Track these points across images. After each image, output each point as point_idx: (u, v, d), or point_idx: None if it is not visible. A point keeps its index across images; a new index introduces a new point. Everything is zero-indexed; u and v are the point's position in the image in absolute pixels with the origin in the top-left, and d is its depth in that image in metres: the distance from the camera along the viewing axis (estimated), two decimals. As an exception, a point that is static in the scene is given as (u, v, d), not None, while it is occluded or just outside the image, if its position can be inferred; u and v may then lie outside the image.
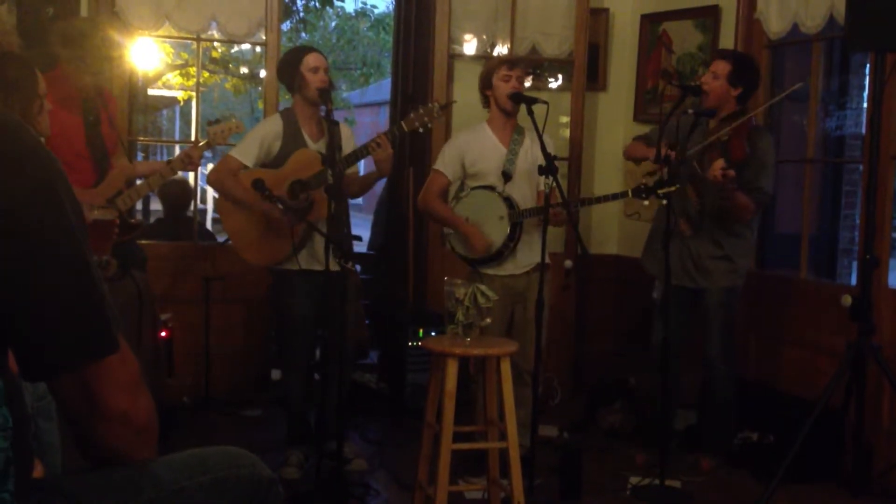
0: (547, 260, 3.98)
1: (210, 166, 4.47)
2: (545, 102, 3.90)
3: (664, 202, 3.95)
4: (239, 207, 4.10)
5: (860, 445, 4.13)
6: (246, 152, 4.09)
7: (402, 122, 4.07)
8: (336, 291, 3.73)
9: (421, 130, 4.12)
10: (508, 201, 4.15)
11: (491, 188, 4.19)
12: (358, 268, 4.49)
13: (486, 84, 4.25)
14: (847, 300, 4.09)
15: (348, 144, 4.16)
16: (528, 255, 4.17)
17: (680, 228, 4.29)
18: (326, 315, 4.12)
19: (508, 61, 4.24)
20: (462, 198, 4.24)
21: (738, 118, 4.16)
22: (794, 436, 3.80)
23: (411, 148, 5.78)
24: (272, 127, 4.17)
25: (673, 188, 3.89)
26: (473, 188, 4.22)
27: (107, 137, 4.01)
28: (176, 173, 4.13)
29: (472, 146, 4.25)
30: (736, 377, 4.44)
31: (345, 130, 4.23)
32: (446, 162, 4.28)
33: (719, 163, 3.95)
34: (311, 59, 4.08)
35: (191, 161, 4.01)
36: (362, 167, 4.65)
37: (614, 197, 4.20)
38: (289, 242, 3.98)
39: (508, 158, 4.21)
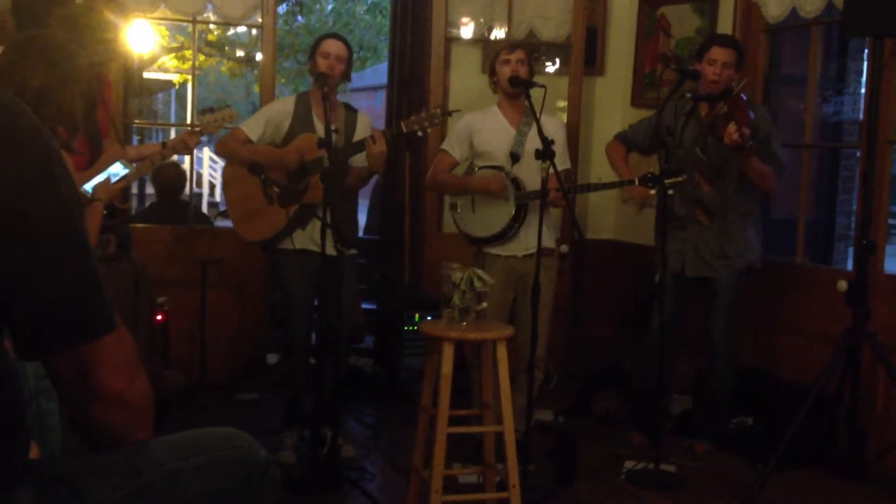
0: (552, 245, 3.99)
1: (206, 150, 4.47)
2: (542, 86, 3.89)
3: (671, 192, 3.96)
4: (241, 180, 4.12)
5: (854, 431, 4.14)
6: (252, 128, 4.18)
7: (402, 124, 4.07)
8: (332, 275, 3.73)
9: (419, 134, 4.11)
10: (515, 182, 4.15)
11: (498, 169, 4.20)
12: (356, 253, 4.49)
13: (490, 71, 4.27)
14: (843, 286, 4.09)
15: (364, 133, 4.16)
16: (532, 238, 4.16)
17: (697, 219, 4.28)
18: (323, 299, 4.13)
19: (508, 46, 4.25)
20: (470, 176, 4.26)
21: (726, 96, 4.15)
22: (788, 421, 3.81)
23: (407, 133, 5.76)
24: (282, 107, 4.24)
25: (681, 178, 3.90)
26: (481, 167, 4.23)
27: (100, 121, 3.99)
28: (169, 157, 4.12)
29: (482, 126, 4.27)
30: (737, 363, 4.44)
31: (363, 119, 4.23)
32: (454, 142, 4.32)
33: (732, 126, 3.92)
34: (326, 45, 4.10)
35: (186, 147, 4.02)
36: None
37: (620, 184, 4.20)
38: (282, 221, 4.02)
39: (517, 140, 4.22)
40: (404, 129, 4.05)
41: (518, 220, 4.16)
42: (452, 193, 4.36)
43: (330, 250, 3.67)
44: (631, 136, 4.50)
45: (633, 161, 4.60)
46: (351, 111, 4.21)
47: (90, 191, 3.51)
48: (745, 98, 4.19)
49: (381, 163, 4.05)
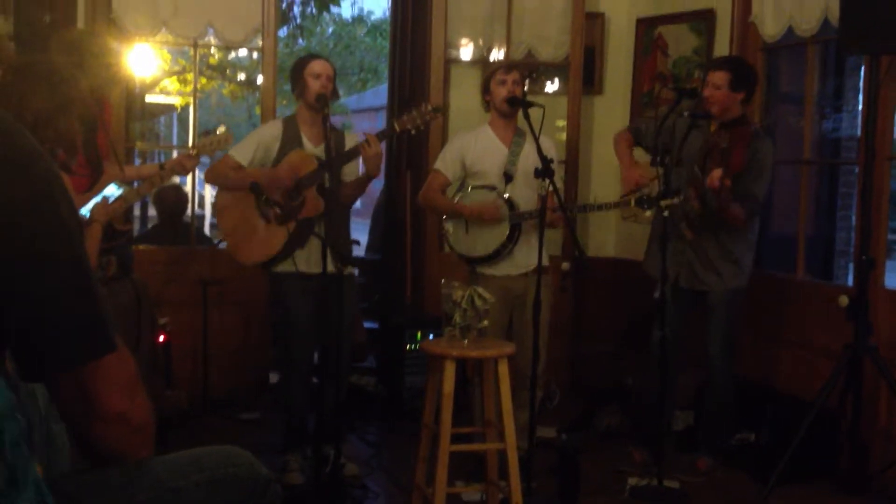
0: (546, 262, 4.00)
1: (207, 171, 4.50)
2: (541, 106, 3.92)
3: (666, 213, 3.98)
4: (235, 205, 4.14)
5: (857, 445, 4.14)
6: (242, 152, 4.18)
7: (395, 123, 4.11)
8: (333, 294, 3.74)
9: (413, 132, 4.14)
10: (509, 202, 4.17)
11: (491, 188, 4.21)
12: (356, 271, 4.50)
13: (485, 89, 4.30)
14: (844, 301, 4.11)
15: None
16: (526, 257, 4.17)
17: (682, 233, 4.30)
18: (324, 318, 4.14)
19: (504, 66, 4.28)
20: (463, 197, 4.26)
21: (740, 123, 4.18)
22: (790, 436, 3.82)
23: (408, 151, 5.79)
24: (270, 130, 4.24)
25: (675, 200, 3.93)
26: (474, 187, 4.24)
27: (101, 144, 4.03)
28: (168, 179, 4.15)
29: (474, 146, 4.28)
30: (734, 376, 4.45)
31: (351, 140, 4.26)
32: (447, 161, 4.32)
33: (718, 172, 3.96)
34: (314, 65, 4.12)
35: (184, 169, 4.06)
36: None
37: (616, 205, 4.22)
38: (281, 240, 4.03)
39: (510, 159, 4.23)
40: (397, 128, 4.09)
41: (512, 240, 4.17)
42: (445, 215, 4.35)
43: (330, 267, 3.68)
44: (643, 131, 4.48)
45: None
46: (338, 132, 4.23)
47: (87, 214, 3.53)
48: (753, 129, 4.21)
49: (378, 166, 4.07)
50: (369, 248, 7.75)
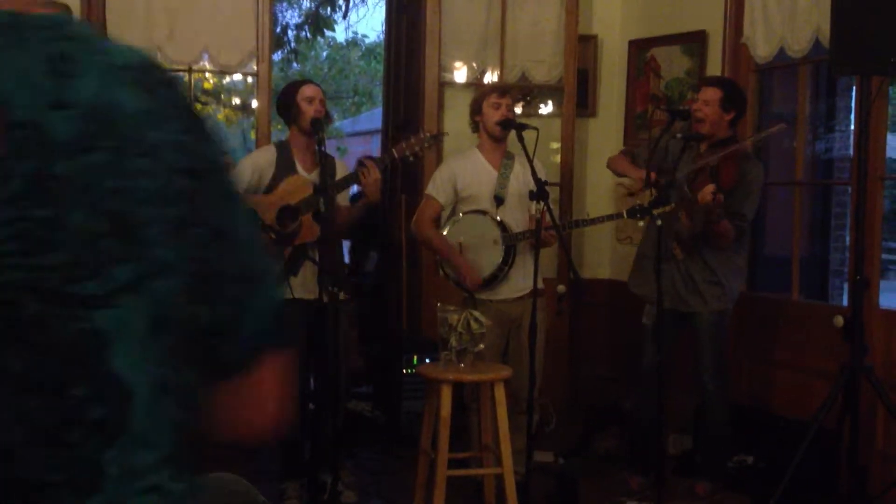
0: (541, 285, 4.00)
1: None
2: (535, 128, 3.93)
3: (659, 223, 3.98)
4: None
5: (855, 467, 4.13)
6: (236, 178, 4.13)
7: (393, 150, 4.13)
8: (329, 320, 3.74)
9: (411, 159, 4.16)
10: (501, 225, 4.17)
11: (483, 212, 4.22)
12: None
13: (475, 110, 4.30)
14: (840, 321, 4.11)
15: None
16: (522, 280, 4.17)
17: (672, 252, 4.31)
18: (320, 344, 4.13)
19: (499, 89, 4.30)
20: (455, 223, 4.26)
21: (729, 144, 4.20)
22: (788, 458, 3.80)
23: (403, 175, 5.80)
24: (264, 155, 4.24)
25: (668, 207, 3.93)
26: (466, 213, 4.24)
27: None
28: None
29: (464, 170, 4.28)
30: (728, 399, 4.44)
31: (340, 165, 4.27)
32: (438, 187, 4.31)
33: (710, 187, 3.98)
34: (306, 90, 4.14)
35: None
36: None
37: (609, 218, 4.24)
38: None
39: (500, 182, 4.24)
40: (396, 155, 4.11)
41: (507, 263, 4.17)
42: (432, 251, 4.32)
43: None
44: (636, 155, 4.52)
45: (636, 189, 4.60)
46: (329, 158, 4.23)
47: None
48: (744, 150, 4.23)
49: (378, 190, 4.09)
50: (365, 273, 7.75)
